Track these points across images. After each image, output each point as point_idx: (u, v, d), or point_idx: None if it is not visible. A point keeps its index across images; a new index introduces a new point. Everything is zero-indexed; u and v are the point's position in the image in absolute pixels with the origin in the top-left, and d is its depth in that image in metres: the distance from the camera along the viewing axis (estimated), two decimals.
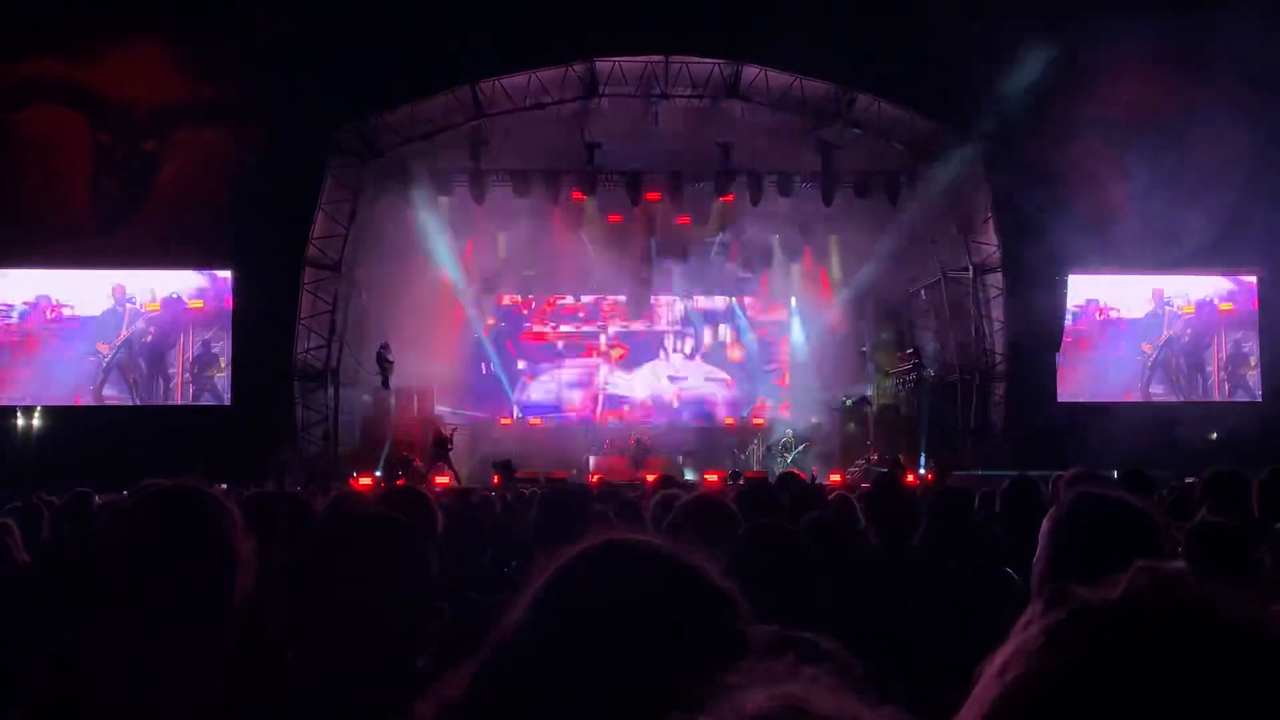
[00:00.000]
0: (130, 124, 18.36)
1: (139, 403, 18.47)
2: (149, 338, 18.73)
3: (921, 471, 17.15)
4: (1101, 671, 0.66)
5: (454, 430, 18.24)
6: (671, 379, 22.26)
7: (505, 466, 16.89)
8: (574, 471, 17.74)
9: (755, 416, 21.39)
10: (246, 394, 18.11)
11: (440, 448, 17.44)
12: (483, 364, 21.39)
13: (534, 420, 21.30)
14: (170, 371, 18.74)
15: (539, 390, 22.06)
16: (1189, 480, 7.09)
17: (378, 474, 16.30)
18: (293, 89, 16.79)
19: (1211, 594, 0.69)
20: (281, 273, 17.63)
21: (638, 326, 22.31)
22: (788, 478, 6.29)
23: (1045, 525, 2.36)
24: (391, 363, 18.37)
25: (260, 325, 17.89)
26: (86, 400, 18.42)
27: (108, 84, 18.22)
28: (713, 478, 16.43)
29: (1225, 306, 19.94)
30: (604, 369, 22.14)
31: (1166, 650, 0.65)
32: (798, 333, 22.33)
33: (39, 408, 18.14)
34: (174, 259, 18.43)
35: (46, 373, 18.42)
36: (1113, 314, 19.96)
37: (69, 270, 18.52)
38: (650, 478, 16.02)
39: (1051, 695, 0.67)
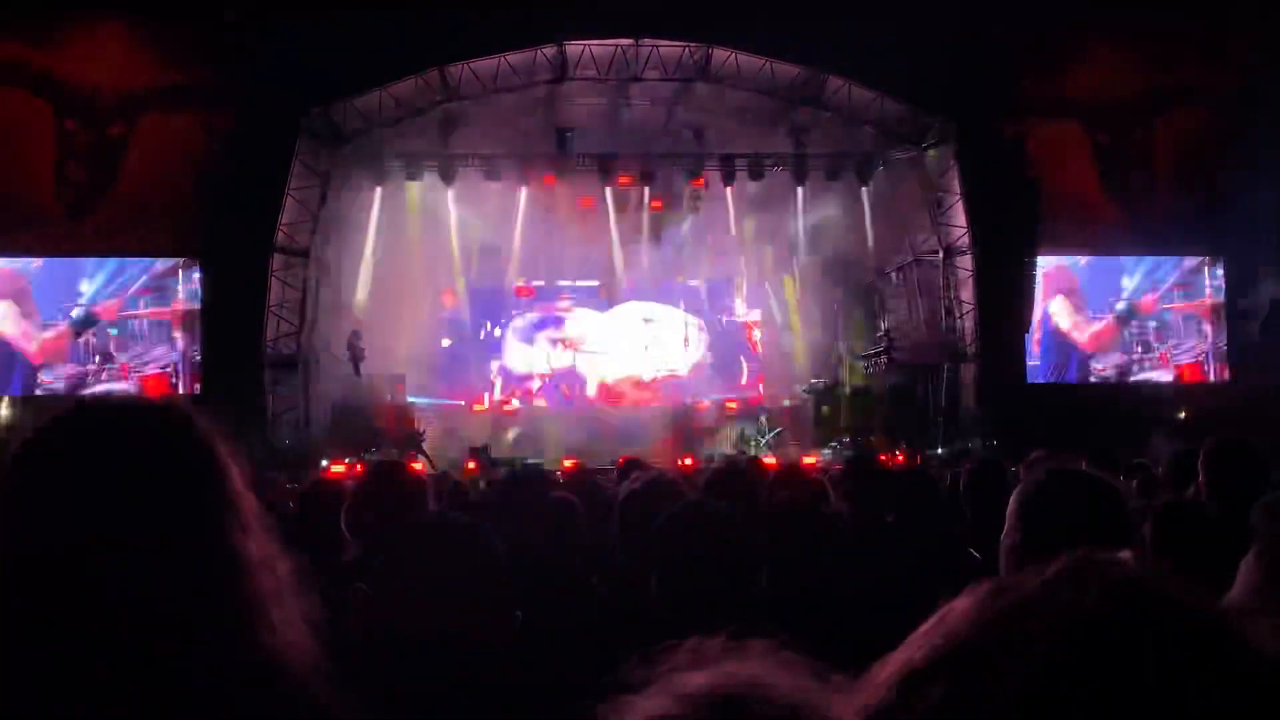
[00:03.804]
0: (96, 110, 18.14)
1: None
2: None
3: (896, 454, 17.22)
4: (1000, 645, 0.67)
5: (425, 429, 18.15)
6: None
7: (482, 452, 16.87)
8: (548, 457, 17.69)
9: (727, 401, 21.38)
10: (216, 382, 17.97)
11: (411, 440, 17.38)
12: (447, 339, 21.23)
13: (509, 409, 21.22)
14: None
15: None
16: (1140, 460, 7.17)
17: (348, 460, 16.21)
18: (260, 74, 16.66)
19: (1144, 578, 0.69)
20: (250, 259, 17.48)
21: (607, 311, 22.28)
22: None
23: (1013, 502, 2.37)
24: (363, 349, 18.28)
25: (229, 313, 17.76)
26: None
27: (73, 69, 18.00)
28: (687, 461, 16.45)
29: (1193, 287, 20.04)
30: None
31: (1072, 630, 0.65)
32: (769, 315, 22.35)
33: (5, 397, 17.95)
34: (141, 246, 18.25)
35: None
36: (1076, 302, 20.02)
37: (34, 259, 18.31)
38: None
39: (954, 661, 0.68)
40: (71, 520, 1.24)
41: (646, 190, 19.81)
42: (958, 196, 18.62)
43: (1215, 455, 3.97)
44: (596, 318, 22.13)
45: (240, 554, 1.32)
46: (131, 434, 1.35)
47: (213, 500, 1.34)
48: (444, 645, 1.98)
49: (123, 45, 18.00)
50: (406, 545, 2.22)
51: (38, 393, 17.97)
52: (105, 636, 1.21)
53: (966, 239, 18.62)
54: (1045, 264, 19.51)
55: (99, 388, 18.16)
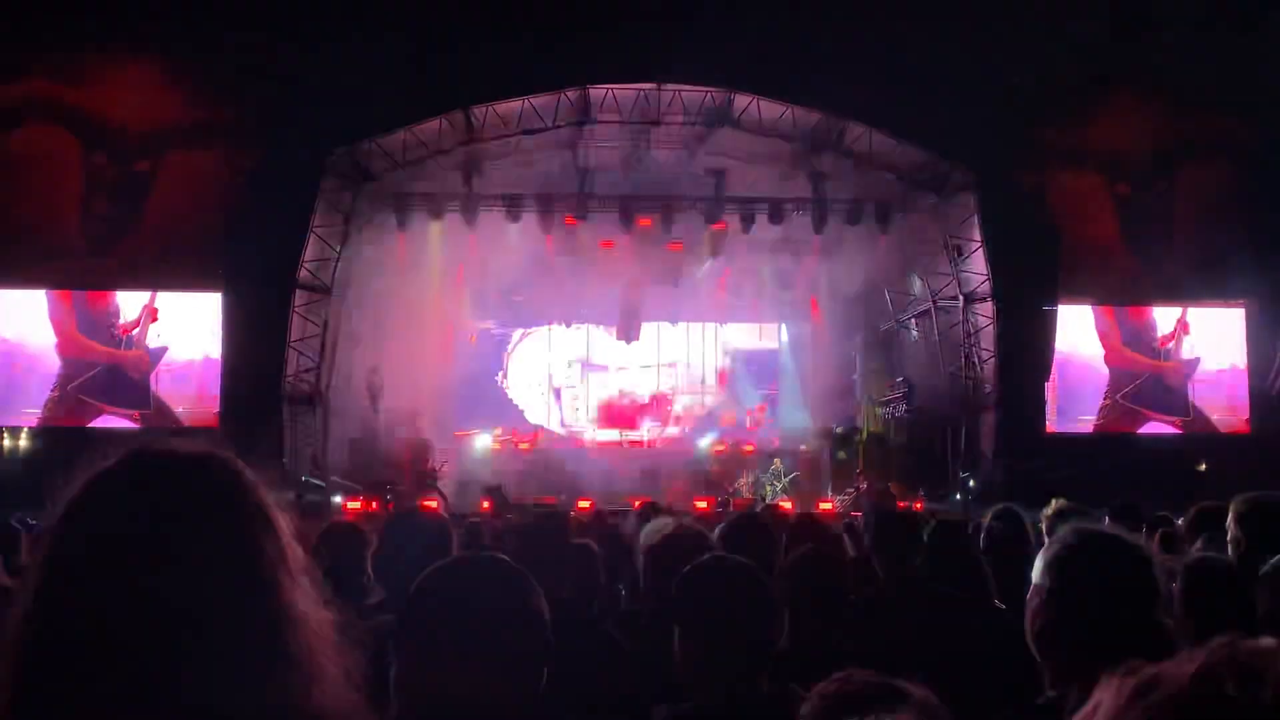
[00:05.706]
0: (123, 145, 18.35)
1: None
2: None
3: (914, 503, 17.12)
4: None
5: (443, 464, 18.17)
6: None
7: (496, 491, 16.82)
8: (563, 497, 17.65)
9: (744, 444, 21.35)
10: (235, 417, 18.01)
11: (426, 478, 17.39)
12: (466, 377, 21.34)
13: (523, 445, 21.23)
14: None
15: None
16: (1162, 514, 7.09)
17: (364, 497, 16.23)
18: (286, 113, 16.83)
19: None
20: (272, 295, 17.58)
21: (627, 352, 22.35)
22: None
23: (1041, 562, 2.36)
24: (381, 386, 18.33)
25: (250, 348, 17.83)
26: None
27: (101, 105, 18.23)
28: (702, 504, 16.39)
29: (1211, 337, 19.88)
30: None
31: None
32: (787, 360, 22.35)
33: (24, 428, 18.03)
34: (165, 281, 18.37)
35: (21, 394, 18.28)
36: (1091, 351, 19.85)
37: (59, 291, 18.44)
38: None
39: None
40: (124, 575, 1.22)
41: (667, 233, 19.85)
42: (978, 244, 18.62)
43: (1251, 511, 3.92)
44: (619, 351, 22.25)
45: (292, 607, 1.30)
46: (185, 486, 1.33)
47: (265, 553, 1.32)
48: (471, 701, 1.90)
49: (151, 83, 18.23)
50: (436, 590, 2.06)
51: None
52: (159, 695, 1.19)
53: (986, 286, 18.59)
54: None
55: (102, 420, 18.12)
